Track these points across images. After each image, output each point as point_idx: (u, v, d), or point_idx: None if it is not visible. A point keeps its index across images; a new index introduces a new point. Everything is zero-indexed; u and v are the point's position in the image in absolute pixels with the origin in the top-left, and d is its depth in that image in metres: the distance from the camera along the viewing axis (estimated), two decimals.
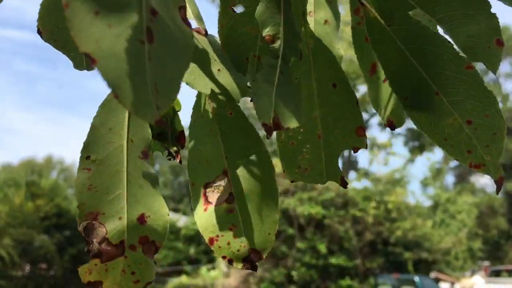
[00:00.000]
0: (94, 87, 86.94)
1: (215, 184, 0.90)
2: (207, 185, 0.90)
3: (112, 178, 0.82)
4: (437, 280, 18.09)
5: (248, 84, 0.94)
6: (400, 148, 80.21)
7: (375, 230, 19.38)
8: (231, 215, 0.89)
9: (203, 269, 19.88)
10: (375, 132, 38.04)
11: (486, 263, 25.45)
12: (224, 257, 0.90)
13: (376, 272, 19.32)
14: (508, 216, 32.40)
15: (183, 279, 18.46)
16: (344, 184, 1.00)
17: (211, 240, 0.89)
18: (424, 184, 38.75)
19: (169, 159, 1.05)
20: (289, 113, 0.76)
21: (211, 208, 0.89)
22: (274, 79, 0.79)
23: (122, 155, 0.84)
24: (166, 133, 1.04)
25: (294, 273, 18.25)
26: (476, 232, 26.79)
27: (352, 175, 35.26)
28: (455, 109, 0.89)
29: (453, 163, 44.16)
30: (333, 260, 18.23)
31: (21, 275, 15.07)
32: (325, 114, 0.98)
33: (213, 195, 0.89)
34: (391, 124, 1.06)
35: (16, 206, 14.58)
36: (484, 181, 59.72)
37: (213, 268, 20.20)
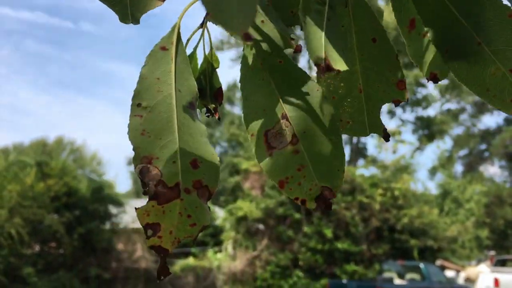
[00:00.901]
0: (107, 69, 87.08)
1: (275, 130, 0.91)
2: (267, 132, 0.91)
3: (163, 124, 0.85)
4: (442, 268, 18.14)
5: (292, 35, 0.97)
6: (409, 136, 79.81)
7: (382, 217, 19.43)
8: (298, 156, 0.90)
9: (210, 252, 20.04)
10: (384, 119, 37.88)
11: (492, 253, 25.44)
12: (296, 199, 0.91)
13: (381, 259, 19.40)
14: None
15: (190, 261, 18.63)
16: (386, 136, 1.00)
17: (281, 183, 0.90)
18: (432, 172, 38.68)
19: (208, 116, 1.08)
20: (338, 56, 0.79)
21: (276, 152, 0.90)
22: (323, 24, 0.82)
23: (171, 103, 0.86)
24: (205, 89, 1.06)
25: (300, 257, 18.37)
26: (483, 221, 26.75)
27: (360, 162, 35.26)
28: (498, 58, 0.88)
29: (462, 151, 44.01)
30: (338, 245, 18.33)
31: (31, 253, 15.27)
32: (366, 67, 1.00)
33: (276, 140, 0.90)
34: (434, 77, 1.05)
35: (27, 186, 14.72)
36: (493, 170, 59.49)
37: (220, 251, 20.36)
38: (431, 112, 37.59)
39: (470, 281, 18.14)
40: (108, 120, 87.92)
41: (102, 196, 16.45)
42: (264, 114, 0.92)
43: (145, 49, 0.93)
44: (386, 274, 16.37)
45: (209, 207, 0.86)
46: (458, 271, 19.28)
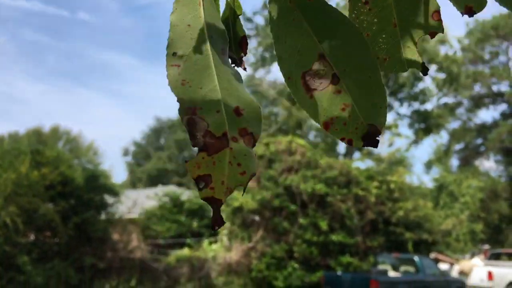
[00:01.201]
0: (104, 59, 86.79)
1: (313, 71, 0.89)
2: (305, 74, 0.89)
3: (202, 72, 0.83)
4: (436, 261, 18.24)
5: None
6: (406, 130, 79.89)
7: (377, 210, 19.51)
8: (340, 95, 0.88)
9: (206, 243, 20.09)
10: None
11: (486, 247, 25.59)
12: (343, 139, 0.90)
13: (376, 251, 19.48)
14: (511, 201, 32.47)
15: (186, 251, 18.68)
16: (425, 70, 0.98)
17: (326, 125, 0.89)
18: (428, 166, 38.81)
19: (234, 66, 1.02)
20: None
21: (317, 93, 0.89)
22: None
23: (207, 50, 0.84)
24: (229, 38, 1.02)
25: (295, 248, 18.44)
26: (478, 215, 26.87)
27: (356, 155, 35.31)
28: None
29: (458, 146, 44.12)
30: (333, 237, 18.40)
31: (26, 241, 15.27)
32: (399, 1, 0.97)
33: (315, 81, 0.89)
34: (469, 10, 0.99)
35: (21, 174, 14.69)
36: (488, 164, 59.72)
37: (215, 242, 20.41)
38: (428, 106, 37.62)
39: (464, 274, 18.25)
40: (104, 111, 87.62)
41: (97, 186, 16.44)
42: (299, 55, 0.89)
43: (143, 40, 0.90)
44: (381, 267, 16.48)
45: (255, 154, 0.85)
46: (452, 264, 19.40)
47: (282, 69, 0.91)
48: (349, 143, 0.90)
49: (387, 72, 0.99)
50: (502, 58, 43.26)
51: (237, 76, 0.86)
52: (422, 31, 0.96)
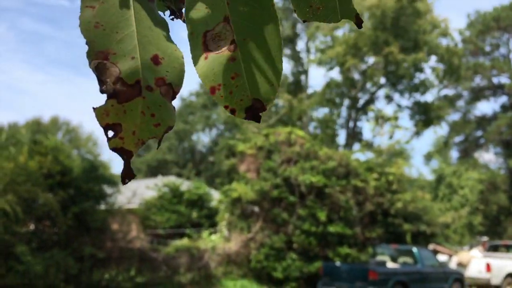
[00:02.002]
0: None
1: (215, 32, 0.85)
2: (206, 33, 0.85)
3: (119, 16, 0.78)
4: (435, 252, 18.30)
5: None
6: (406, 121, 79.92)
7: (376, 201, 19.55)
8: (234, 63, 0.85)
9: (205, 233, 20.14)
10: (381, 105, 37.90)
11: (485, 238, 25.64)
12: (226, 107, 0.87)
13: (375, 242, 19.54)
14: (509, 193, 32.51)
15: (185, 242, 18.72)
16: (359, 21, 0.94)
17: (213, 89, 0.86)
18: (428, 158, 38.82)
19: (172, 19, 0.99)
20: None
21: (212, 56, 0.85)
22: None
23: None
24: None
25: (294, 239, 18.49)
26: (477, 207, 26.93)
27: (356, 146, 35.31)
28: None
29: (458, 138, 44.13)
30: (332, 229, 18.45)
31: (26, 231, 15.31)
32: None
33: (214, 43, 0.85)
34: None
35: (20, 163, 14.71)
36: (488, 157, 59.74)
37: (215, 232, 20.47)
38: (428, 97, 37.66)
39: (462, 265, 18.30)
40: (103, 101, 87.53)
41: (96, 176, 16.46)
42: (207, 12, 0.85)
43: None
44: (379, 258, 16.53)
45: (174, 107, 0.81)
46: (450, 256, 19.44)
47: (187, 23, 0.86)
48: (232, 112, 0.87)
49: (321, 21, 0.96)
50: (502, 50, 43.21)
51: (162, 24, 0.81)
52: None
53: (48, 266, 14.21)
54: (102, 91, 0.77)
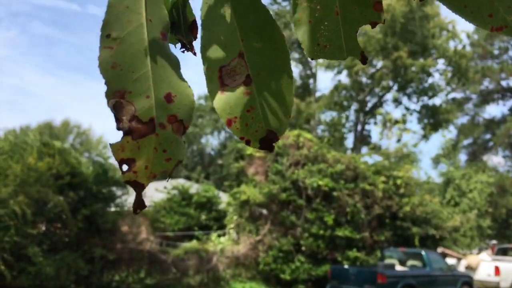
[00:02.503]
0: None
1: (230, 67, 0.90)
2: (222, 68, 0.90)
3: (135, 57, 0.81)
4: (443, 256, 18.28)
5: None
6: (414, 125, 79.68)
7: (384, 204, 19.56)
8: (249, 97, 0.90)
9: (214, 235, 20.23)
10: (390, 108, 37.90)
11: (494, 242, 25.57)
12: (242, 138, 0.92)
13: (383, 245, 19.56)
14: None
15: (194, 244, 18.82)
16: (364, 59, 0.99)
17: (229, 122, 0.91)
18: (436, 161, 38.70)
19: (183, 51, 1.04)
20: None
21: (228, 90, 0.90)
22: None
23: (142, 34, 0.83)
24: (179, 23, 1.01)
25: (302, 242, 18.54)
26: (486, 210, 26.83)
27: (364, 150, 35.33)
28: None
29: (466, 141, 44.02)
30: (340, 232, 18.48)
31: (37, 232, 15.43)
32: None
33: (229, 78, 0.90)
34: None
35: (30, 165, 14.83)
36: (496, 160, 59.48)
37: (223, 234, 20.55)
38: (436, 101, 37.65)
39: (471, 269, 18.28)
40: None
41: (106, 178, 16.59)
42: (222, 48, 0.90)
43: None
44: (388, 261, 16.52)
45: (184, 142, 0.85)
46: (459, 259, 19.41)
47: (203, 57, 0.91)
48: (247, 143, 0.92)
49: (328, 59, 1.00)
50: (511, 53, 43.09)
51: (174, 62, 0.85)
52: (363, 20, 0.96)
53: (59, 268, 14.32)
54: (118, 129, 0.80)
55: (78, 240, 15.70)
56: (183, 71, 0.86)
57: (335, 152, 21.15)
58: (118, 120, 0.80)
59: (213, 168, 47.79)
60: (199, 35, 0.99)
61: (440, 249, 19.23)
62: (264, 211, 19.24)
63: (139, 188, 0.83)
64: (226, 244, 18.91)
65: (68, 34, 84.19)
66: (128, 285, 16.64)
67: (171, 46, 0.95)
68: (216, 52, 0.90)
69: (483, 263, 18.57)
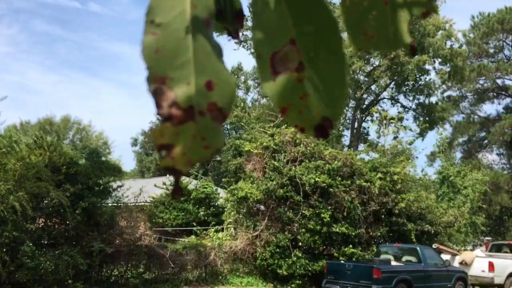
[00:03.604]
0: (114, 50, 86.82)
1: (282, 54, 0.89)
2: (274, 55, 0.89)
3: (178, 43, 0.82)
4: (438, 252, 18.47)
5: None
6: (410, 123, 79.85)
7: (380, 201, 19.73)
8: (302, 84, 0.88)
9: (212, 231, 20.40)
10: (386, 106, 38.09)
11: (488, 238, 25.81)
12: (296, 126, 0.91)
13: (379, 241, 19.75)
14: None
15: (192, 239, 18.98)
16: (413, 50, 0.97)
17: (283, 109, 0.89)
18: (431, 158, 38.95)
19: (229, 40, 1.03)
20: None
21: (281, 77, 0.88)
22: None
23: (186, 20, 0.83)
24: (225, 11, 1.01)
25: (299, 238, 18.71)
26: (479, 207, 27.04)
27: (361, 147, 35.52)
28: None
29: (461, 138, 44.27)
30: (337, 228, 18.66)
31: (36, 227, 15.50)
32: None
33: (281, 65, 0.88)
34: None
35: (28, 160, 14.85)
36: (491, 157, 59.80)
37: (221, 230, 20.71)
38: (432, 99, 37.83)
39: (465, 264, 18.49)
40: (114, 101, 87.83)
41: (100, 165, 16.67)
42: (273, 35, 0.90)
43: None
44: (383, 256, 16.69)
45: (223, 130, 0.85)
46: (454, 255, 19.61)
47: (255, 46, 0.90)
48: (301, 130, 0.90)
49: (375, 50, 0.99)
50: (507, 52, 43.34)
51: (217, 50, 0.84)
52: (413, 10, 0.95)
53: (58, 262, 14.39)
54: (159, 114, 0.80)
55: (76, 234, 15.79)
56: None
57: (332, 149, 21.32)
58: (158, 106, 0.80)
59: (212, 165, 47.93)
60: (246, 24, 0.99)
61: (435, 245, 19.43)
62: (262, 207, 19.40)
63: (177, 174, 0.83)
64: (224, 240, 19.08)
65: (69, 32, 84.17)
66: (127, 280, 16.79)
67: (217, 33, 0.96)
68: (267, 39, 0.89)
69: (477, 259, 18.77)
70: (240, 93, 51.97)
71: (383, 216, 19.99)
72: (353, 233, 18.93)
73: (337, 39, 0.90)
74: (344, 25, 0.94)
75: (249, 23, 0.94)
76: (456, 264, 18.50)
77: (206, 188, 23.91)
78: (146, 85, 0.80)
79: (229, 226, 20.29)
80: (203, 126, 0.81)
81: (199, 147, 0.82)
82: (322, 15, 0.90)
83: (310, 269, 18.37)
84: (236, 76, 51.02)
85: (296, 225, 18.83)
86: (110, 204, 17.01)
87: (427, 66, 34.20)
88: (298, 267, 18.27)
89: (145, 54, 0.80)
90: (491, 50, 43.04)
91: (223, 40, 0.99)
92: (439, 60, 34.49)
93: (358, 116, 37.91)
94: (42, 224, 16.04)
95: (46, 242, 15.74)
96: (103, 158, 16.88)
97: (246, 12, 0.99)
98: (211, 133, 0.82)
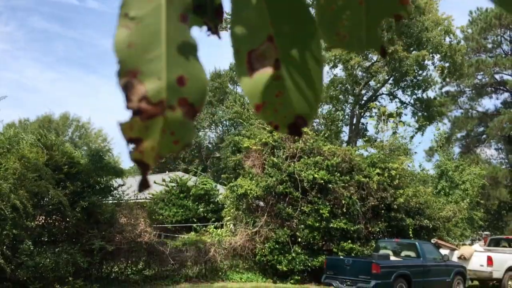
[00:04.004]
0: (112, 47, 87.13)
1: (259, 51, 0.89)
2: (251, 52, 0.89)
3: (151, 37, 0.81)
4: (437, 246, 18.52)
5: None
6: (409, 119, 79.79)
7: (379, 196, 19.79)
8: (278, 82, 0.88)
9: (211, 227, 20.46)
10: (385, 102, 38.12)
11: (487, 233, 25.87)
12: (270, 123, 0.91)
13: (378, 236, 19.81)
14: (511, 188, 32.63)
15: (192, 236, 19.04)
16: (383, 53, 0.97)
17: (258, 107, 0.89)
18: (429, 153, 39.01)
19: (208, 35, 1.03)
20: None
21: (257, 75, 0.88)
22: None
23: (161, 14, 0.82)
24: (205, 5, 0.99)
25: (298, 234, 18.77)
26: (477, 201, 27.10)
27: (360, 143, 35.56)
28: None
29: (460, 133, 44.32)
30: (335, 224, 18.73)
31: (36, 225, 15.52)
32: None
33: (259, 62, 0.88)
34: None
35: (28, 158, 14.85)
36: (489, 152, 59.84)
37: (221, 226, 20.77)
38: (430, 94, 37.93)
39: (464, 259, 18.55)
40: (113, 98, 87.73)
41: (103, 166, 16.69)
42: (251, 32, 0.89)
43: None
44: (382, 251, 16.75)
45: (194, 125, 0.84)
46: (452, 250, 19.67)
47: (232, 42, 0.90)
48: (275, 128, 0.91)
49: (346, 50, 0.99)
50: (505, 47, 43.36)
51: (191, 46, 0.83)
52: (387, 12, 0.94)
53: (58, 260, 14.42)
54: (128, 108, 0.80)
55: (77, 231, 15.84)
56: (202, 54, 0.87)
57: (331, 145, 21.36)
58: (128, 99, 0.80)
59: (211, 161, 48.02)
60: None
61: (434, 240, 19.49)
62: (261, 204, 19.46)
63: (145, 168, 0.82)
64: (223, 236, 19.13)
65: (67, 29, 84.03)
66: (127, 276, 16.85)
67: (195, 28, 0.96)
68: (245, 36, 0.89)
69: (476, 254, 18.83)
70: (239, 89, 52.02)
71: (381, 212, 20.05)
72: (352, 229, 19.00)
73: (315, 39, 0.91)
74: (318, 23, 0.94)
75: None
76: (454, 258, 18.56)
77: (205, 184, 23.98)
78: (117, 79, 0.80)
79: (228, 222, 20.35)
80: (173, 121, 0.81)
81: (168, 141, 0.82)
82: (301, 15, 0.91)
83: (309, 264, 18.44)
84: (234, 72, 51.04)
85: (295, 221, 18.90)
86: (110, 202, 17.04)
87: (425, 62, 34.22)
88: (297, 262, 18.34)
89: (117, 47, 0.80)
90: (489, 45, 43.07)
91: (222, 37, 1.01)
92: (438, 56, 34.52)
93: (357, 112, 37.95)
94: (43, 221, 16.06)
95: (46, 240, 15.76)
96: (105, 158, 16.85)
97: (226, 8, 0.97)
98: (181, 128, 0.82)
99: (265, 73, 0.88)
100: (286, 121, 0.90)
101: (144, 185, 0.83)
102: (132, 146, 0.80)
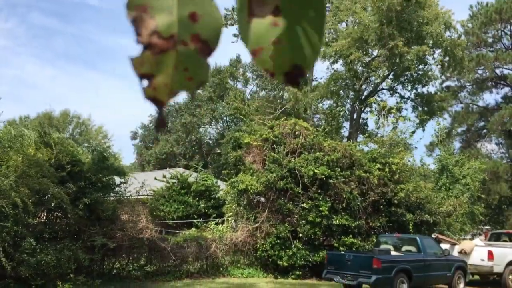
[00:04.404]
0: (113, 43, 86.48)
1: None
2: None
3: None
4: (438, 241, 18.55)
5: None
6: (409, 113, 79.76)
7: (379, 191, 19.81)
8: (276, 28, 0.86)
9: (212, 223, 20.50)
10: (385, 97, 38.08)
11: (487, 227, 25.90)
12: (266, 70, 0.89)
13: (378, 231, 19.84)
14: (511, 183, 32.66)
15: (193, 232, 19.09)
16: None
17: (254, 52, 0.87)
18: (430, 148, 39.02)
19: None
20: None
21: (256, 20, 0.86)
22: None
23: None
24: None
25: (299, 229, 18.81)
26: (478, 196, 27.11)
27: (360, 138, 35.57)
28: None
29: (460, 128, 44.31)
30: (336, 220, 18.77)
31: (37, 222, 15.54)
32: None
33: (259, 7, 0.87)
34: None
35: (30, 156, 14.86)
36: (490, 147, 59.83)
37: (222, 222, 20.82)
38: (431, 89, 37.91)
39: (464, 254, 18.58)
40: (113, 95, 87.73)
41: (106, 166, 16.71)
42: None
43: None
44: (383, 246, 16.76)
45: (208, 64, 0.83)
46: (453, 245, 19.69)
47: None
48: (271, 75, 0.89)
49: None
50: (505, 41, 43.30)
51: None
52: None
53: (60, 257, 14.44)
54: (138, 42, 0.79)
55: (78, 228, 15.88)
56: None
57: (331, 140, 21.38)
58: (138, 34, 0.79)
59: (212, 157, 48.06)
60: None
61: (434, 235, 19.52)
62: (262, 199, 19.50)
63: (159, 104, 0.82)
64: (224, 232, 19.18)
65: (67, 25, 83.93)
66: (129, 273, 16.91)
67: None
68: None
69: (476, 248, 18.85)
70: (239, 85, 52.03)
71: (382, 207, 20.08)
72: (353, 224, 19.03)
73: None
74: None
75: None
76: (455, 253, 18.58)
77: (206, 180, 24.03)
78: (125, 12, 0.78)
79: (229, 218, 20.39)
80: (186, 57, 0.80)
81: (181, 78, 0.81)
82: None
83: (310, 260, 18.50)
84: (235, 68, 51.03)
85: (296, 216, 18.94)
86: (112, 199, 17.07)
87: (426, 57, 34.16)
88: (298, 258, 18.39)
89: None
90: (490, 40, 43.01)
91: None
92: (439, 50, 34.47)
93: (357, 107, 37.94)
94: (44, 218, 16.10)
95: (48, 237, 15.79)
96: (109, 160, 16.88)
97: None
98: (195, 65, 0.81)
99: (264, 18, 0.86)
100: (282, 69, 0.88)
101: (161, 124, 0.83)
102: (145, 82, 0.80)
